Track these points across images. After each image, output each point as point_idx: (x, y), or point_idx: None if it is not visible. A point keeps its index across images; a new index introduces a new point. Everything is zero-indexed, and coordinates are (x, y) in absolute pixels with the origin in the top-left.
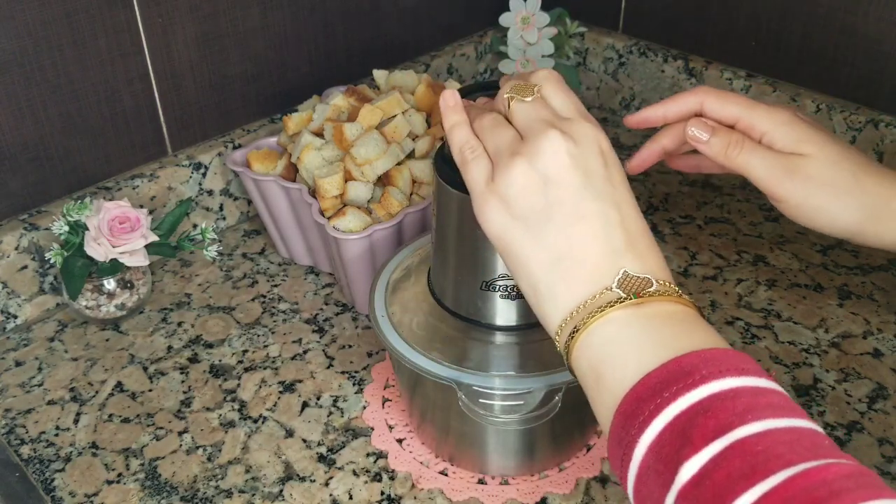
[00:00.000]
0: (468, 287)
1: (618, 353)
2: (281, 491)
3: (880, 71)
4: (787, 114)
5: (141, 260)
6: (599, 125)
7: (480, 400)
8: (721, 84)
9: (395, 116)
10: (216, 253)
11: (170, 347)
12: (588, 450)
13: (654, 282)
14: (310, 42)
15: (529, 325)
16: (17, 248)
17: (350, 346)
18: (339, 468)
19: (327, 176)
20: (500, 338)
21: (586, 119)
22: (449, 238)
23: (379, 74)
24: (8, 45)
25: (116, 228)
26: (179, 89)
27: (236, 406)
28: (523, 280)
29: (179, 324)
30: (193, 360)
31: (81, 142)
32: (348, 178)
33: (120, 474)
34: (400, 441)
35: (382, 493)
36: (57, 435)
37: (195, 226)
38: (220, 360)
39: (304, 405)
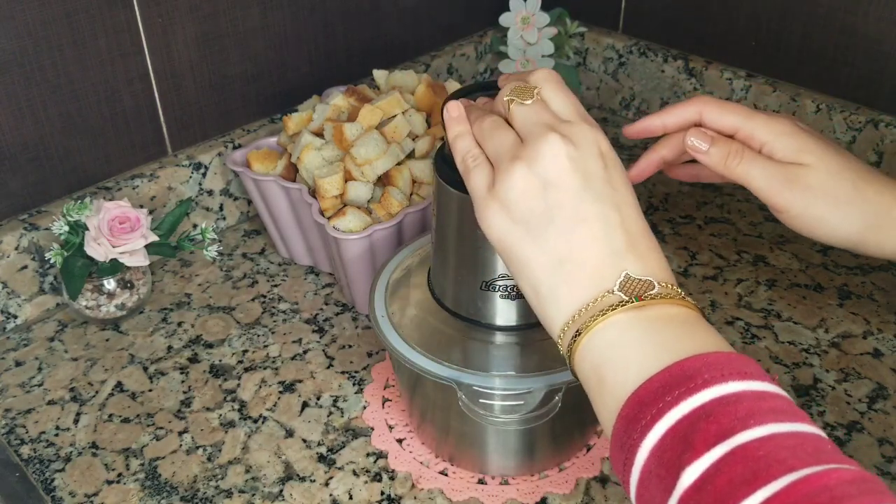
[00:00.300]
0: (468, 287)
1: (620, 357)
2: (281, 491)
3: (880, 71)
4: (786, 123)
5: (141, 260)
6: (599, 127)
7: (480, 400)
8: (721, 84)
9: (395, 116)
10: (216, 253)
11: (170, 347)
12: (588, 450)
13: (656, 284)
14: (310, 42)
15: (529, 325)
16: (17, 248)
17: (350, 346)
18: (339, 468)
19: (327, 176)
20: (500, 338)
21: (586, 121)
22: (449, 238)
23: (379, 74)
24: (8, 45)
25: (116, 228)
26: (179, 89)
27: (236, 406)
28: (525, 283)
29: (179, 324)
30: (193, 360)
31: (81, 142)
32: (348, 178)
33: (120, 474)
34: (400, 441)
35: (382, 493)
36: (57, 435)
37: (195, 226)
38: (220, 360)
39: (304, 405)
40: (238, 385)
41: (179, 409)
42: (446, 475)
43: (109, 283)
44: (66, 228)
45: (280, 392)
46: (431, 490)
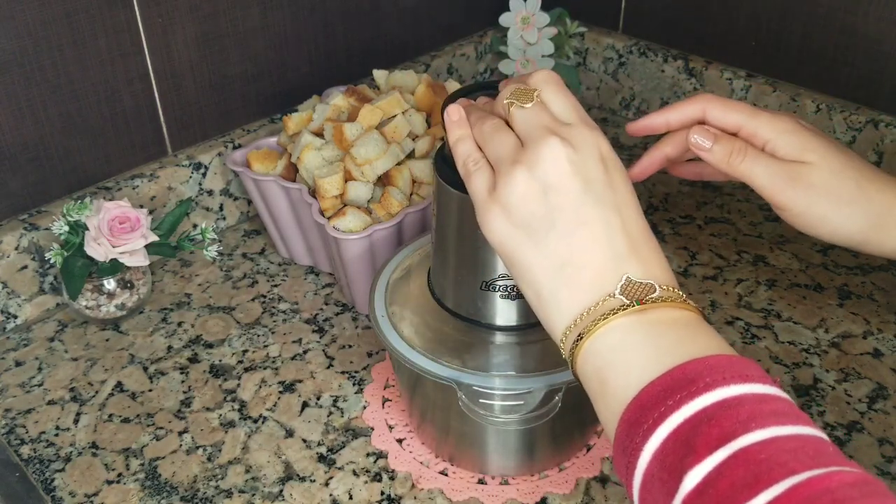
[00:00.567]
0: (468, 287)
1: (621, 361)
2: (281, 491)
3: (880, 71)
4: (790, 122)
5: (141, 260)
6: (599, 129)
7: (480, 400)
8: (721, 84)
9: (395, 116)
10: (216, 253)
11: (170, 347)
12: (588, 450)
13: (658, 287)
14: (310, 42)
15: (529, 325)
16: (17, 248)
17: (350, 346)
18: (339, 468)
19: (327, 176)
20: (500, 338)
21: (586, 124)
22: (449, 238)
23: (379, 74)
24: (8, 45)
25: (116, 228)
26: (179, 89)
27: (236, 406)
28: (527, 286)
29: (179, 324)
30: (193, 360)
31: (81, 142)
32: (348, 178)
33: (120, 474)
34: (400, 441)
35: (382, 493)
36: (57, 435)
37: (195, 226)
38: (220, 360)
39: (304, 405)
40: (238, 385)
41: (179, 409)
42: (446, 475)
43: (109, 283)
44: (66, 228)
45: (280, 392)
46: (431, 490)
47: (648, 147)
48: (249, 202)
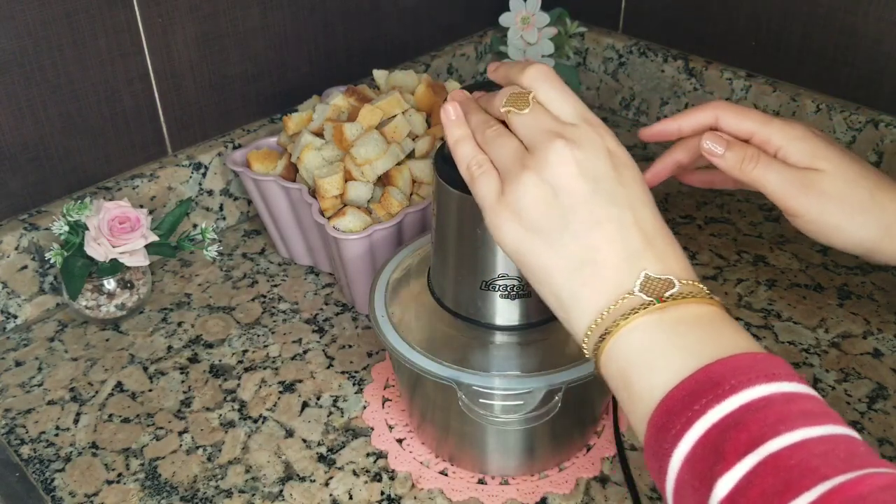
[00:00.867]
0: (468, 287)
1: (645, 362)
2: (281, 491)
3: (880, 71)
4: (802, 129)
5: (141, 260)
6: (603, 124)
7: (480, 400)
8: (721, 84)
9: (395, 116)
10: (216, 253)
11: (170, 347)
12: (588, 450)
13: (677, 282)
14: (310, 42)
15: (529, 324)
16: (17, 248)
17: (350, 346)
18: (339, 468)
19: (327, 176)
20: (500, 338)
21: (588, 122)
22: (449, 238)
23: (379, 74)
24: (8, 45)
25: (116, 228)
26: (179, 89)
27: (236, 406)
28: (545, 289)
29: (179, 324)
30: (193, 360)
31: (81, 142)
32: (348, 178)
33: (120, 474)
34: (400, 441)
35: (382, 493)
36: (57, 435)
37: (195, 226)
38: (220, 360)
39: (304, 405)
40: (238, 385)
41: (179, 409)
42: (446, 475)
43: (109, 283)
44: (66, 228)
45: (280, 392)
46: (431, 490)
47: (647, 148)
48: (249, 202)
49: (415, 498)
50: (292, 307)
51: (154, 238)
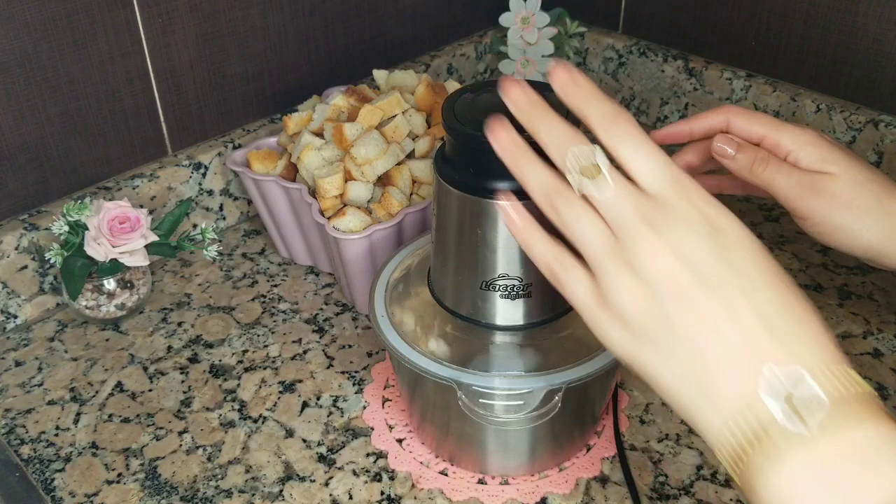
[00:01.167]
0: (468, 287)
1: None
2: (281, 491)
3: (880, 71)
4: (813, 134)
5: (141, 260)
6: (694, 183)
7: (480, 400)
8: (721, 84)
9: (395, 116)
10: (216, 253)
11: (170, 347)
12: (588, 450)
13: (806, 374)
14: (310, 42)
15: (529, 325)
16: (17, 248)
17: (350, 346)
18: (339, 468)
19: (327, 176)
20: (500, 338)
21: (678, 182)
22: (449, 238)
23: (379, 74)
24: (8, 45)
25: (116, 228)
26: (179, 89)
27: (236, 406)
28: (663, 394)
29: (179, 324)
30: (193, 360)
31: (81, 142)
32: (348, 178)
33: (120, 474)
34: (400, 441)
35: (382, 493)
36: (57, 435)
37: (195, 226)
38: (220, 360)
39: (304, 405)
40: (238, 385)
41: (179, 409)
42: (446, 475)
43: (109, 283)
44: (66, 228)
45: (280, 392)
46: (431, 490)
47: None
48: (249, 202)
49: (415, 498)
50: (292, 307)
51: (154, 238)
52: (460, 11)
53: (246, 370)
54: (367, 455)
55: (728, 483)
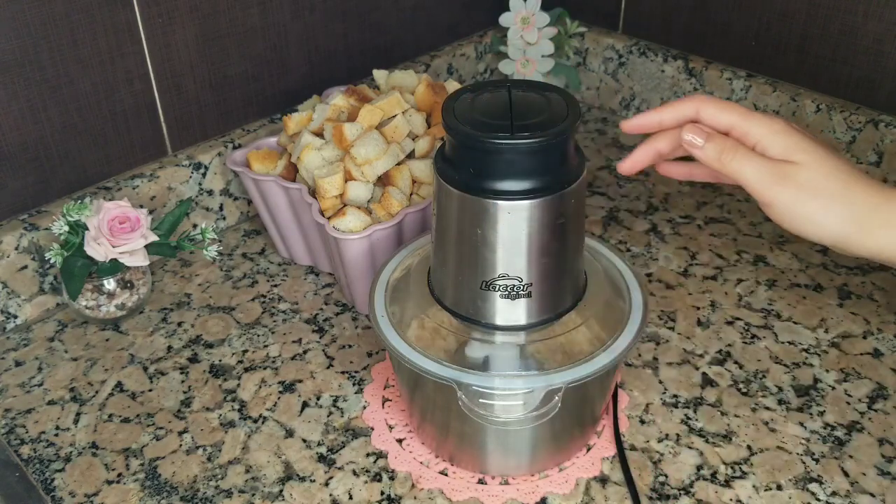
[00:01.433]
0: (468, 287)
1: None
2: (281, 491)
3: (880, 71)
4: (781, 123)
5: (141, 260)
6: None
7: (480, 400)
8: (721, 84)
9: (395, 116)
10: (216, 253)
11: (170, 347)
12: (588, 450)
13: None
14: (310, 42)
15: (530, 324)
16: (17, 248)
17: (350, 346)
18: (339, 468)
19: (327, 176)
20: (500, 338)
21: None
22: (449, 238)
23: (379, 74)
24: (8, 45)
25: (116, 228)
26: (179, 89)
27: (236, 406)
28: None
29: (179, 324)
30: (193, 360)
31: (81, 142)
32: (348, 178)
33: (120, 474)
34: (400, 441)
35: (382, 493)
36: (57, 435)
37: (195, 226)
38: (220, 360)
39: (304, 405)
40: (238, 385)
41: (179, 409)
42: (446, 475)
43: (109, 283)
44: (66, 228)
45: (280, 392)
46: (431, 490)
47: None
48: (249, 202)
49: (415, 498)
50: (292, 307)
51: (154, 238)
52: (460, 11)
53: (246, 370)
54: (367, 455)
55: (728, 483)
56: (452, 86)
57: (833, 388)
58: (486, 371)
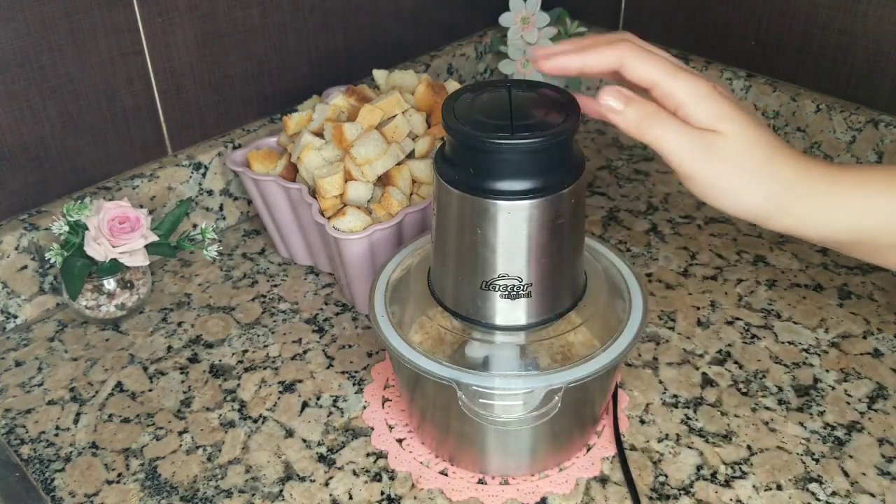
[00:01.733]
0: (468, 287)
1: None
2: (281, 491)
3: (880, 71)
4: (707, 86)
5: (141, 260)
6: None
7: (480, 400)
8: (721, 84)
9: (395, 116)
10: (216, 253)
11: (170, 347)
12: (588, 450)
13: None
14: (310, 42)
15: (529, 324)
16: (17, 248)
17: (350, 346)
18: (339, 468)
19: (327, 176)
20: (500, 338)
21: None
22: (449, 238)
23: (379, 74)
24: (8, 45)
25: (116, 228)
26: (179, 89)
27: (236, 406)
28: None
29: (179, 324)
30: (193, 360)
31: (81, 142)
32: (348, 178)
33: (120, 474)
34: (400, 441)
35: (382, 493)
36: (57, 435)
37: (195, 226)
38: (220, 360)
39: (304, 405)
40: (238, 385)
41: (179, 409)
42: (446, 475)
43: (109, 283)
44: (66, 228)
45: (280, 392)
46: (431, 490)
47: (647, 149)
48: (249, 202)
49: (415, 498)
50: (292, 307)
51: (154, 238)
52: (460, 11)
53: (246, 370)
54: (367, 455)
55: (728, 483)
56: (452, 86)
57: (833, 388)
58: (486, 371)
